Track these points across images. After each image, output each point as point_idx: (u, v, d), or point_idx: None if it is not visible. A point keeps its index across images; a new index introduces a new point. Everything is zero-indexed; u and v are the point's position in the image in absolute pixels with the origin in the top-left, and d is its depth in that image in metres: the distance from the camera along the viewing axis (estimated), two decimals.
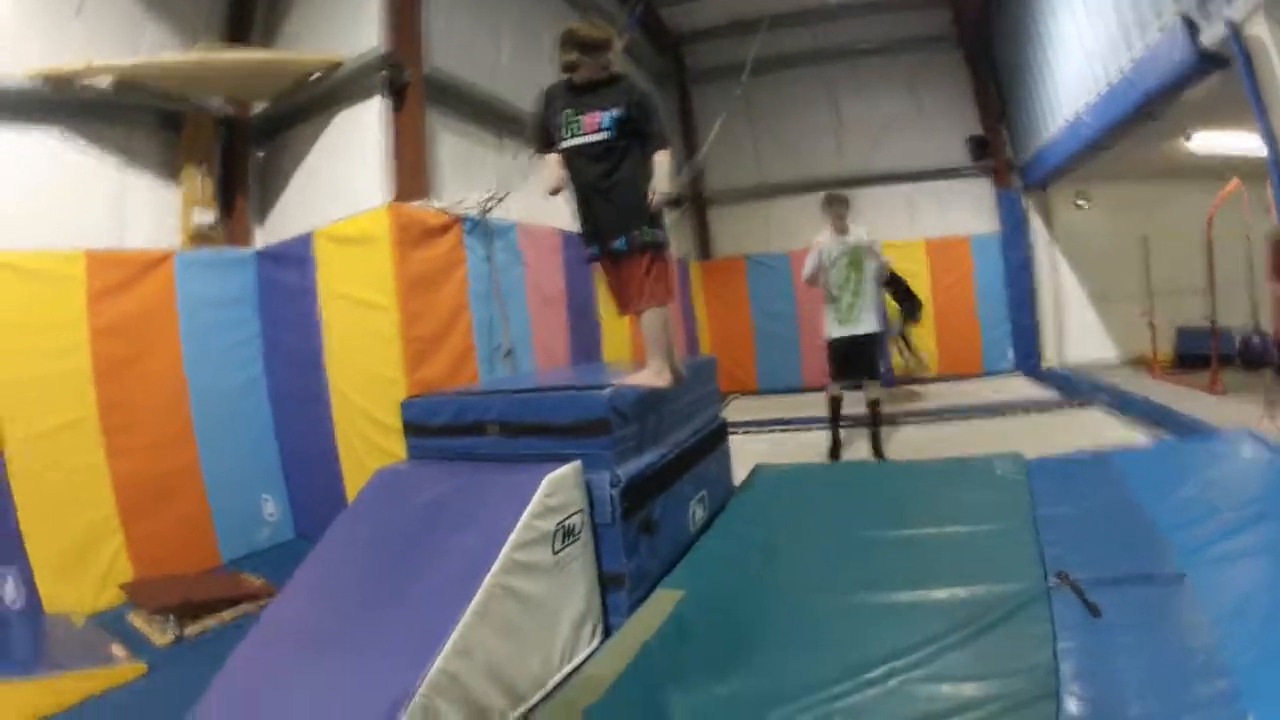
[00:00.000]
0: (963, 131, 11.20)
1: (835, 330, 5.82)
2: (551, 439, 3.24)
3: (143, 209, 5.24)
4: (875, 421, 6.02)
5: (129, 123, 5.22)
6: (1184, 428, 5.93)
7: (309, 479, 5.31)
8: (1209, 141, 7.92)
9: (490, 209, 5.38)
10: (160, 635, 3.69)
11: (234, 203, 5.80)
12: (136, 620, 3.93)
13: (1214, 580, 2.71)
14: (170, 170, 5.47)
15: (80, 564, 4.23)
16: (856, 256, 5.76)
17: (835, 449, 6.14)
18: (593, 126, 3.45)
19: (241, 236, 5.78)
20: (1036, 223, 10.89)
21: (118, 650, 3.46)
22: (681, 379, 3.76)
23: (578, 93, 3.52)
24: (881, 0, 11.40)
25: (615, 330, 6.83)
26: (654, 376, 3.50)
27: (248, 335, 5.43)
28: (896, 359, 10.24)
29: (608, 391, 3.20)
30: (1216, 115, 6.59)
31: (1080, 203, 10.83)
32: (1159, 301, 9.42)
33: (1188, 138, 7.97)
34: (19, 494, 4.02)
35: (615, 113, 3.42)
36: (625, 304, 3.69)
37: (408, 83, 5.41)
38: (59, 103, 4.75)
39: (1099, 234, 10.68)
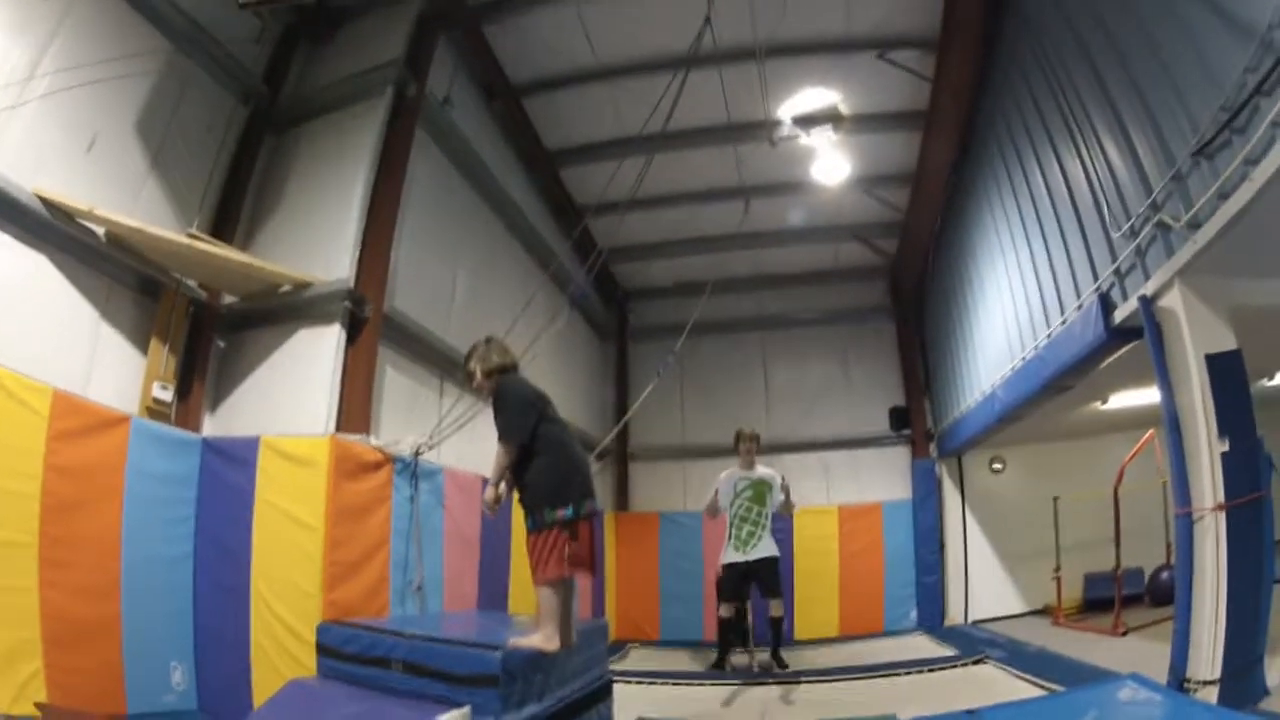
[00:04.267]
0: (886, 401, 12.34)
1: (732, 556, 6.41)
2: (447, 685, 3.98)
3: (109, 366, 5.77)
4: (777, 635, 6.56)
5: (112, 278, 5.83)
6: (1075, 675, 6.29)
7: (218, 661, 5.68)
8: (1125, 399, 8.61)
9: (422, 454, 6.20)
10: None
11: (190, 386, 6.39)
12: None
13: None
14: (139, 337, 6.05)
15: (2, 671, 4.50)
16: (760, 490, 6.44)
17: (721, 661, 6.70)
18: None
19: (192, 420, 6.32)
20: (949, 488, 11.83)
21: None
22: (570, 644, 4.44)
23: None
24: (826, 270, 12.85)
25: (524, 577, 7.36)
26: (544, 641, 4.17)
27: (184, 515, 5.88)
28: None
29: (499, 653, 3.96)
30: (1133, 377, 7.01)
31: (996, 466, 11.87)
32: (1072, 555, 10.17)
33: (1104, 401, 8.82)
34: None
35: None
36: (532, 573, 4.33)
37: (367, 319, 6.27)
38: (54, 232, 5.31)
39: (1012, 496, 11.64)
